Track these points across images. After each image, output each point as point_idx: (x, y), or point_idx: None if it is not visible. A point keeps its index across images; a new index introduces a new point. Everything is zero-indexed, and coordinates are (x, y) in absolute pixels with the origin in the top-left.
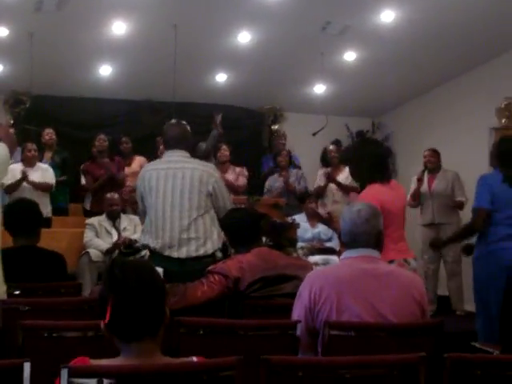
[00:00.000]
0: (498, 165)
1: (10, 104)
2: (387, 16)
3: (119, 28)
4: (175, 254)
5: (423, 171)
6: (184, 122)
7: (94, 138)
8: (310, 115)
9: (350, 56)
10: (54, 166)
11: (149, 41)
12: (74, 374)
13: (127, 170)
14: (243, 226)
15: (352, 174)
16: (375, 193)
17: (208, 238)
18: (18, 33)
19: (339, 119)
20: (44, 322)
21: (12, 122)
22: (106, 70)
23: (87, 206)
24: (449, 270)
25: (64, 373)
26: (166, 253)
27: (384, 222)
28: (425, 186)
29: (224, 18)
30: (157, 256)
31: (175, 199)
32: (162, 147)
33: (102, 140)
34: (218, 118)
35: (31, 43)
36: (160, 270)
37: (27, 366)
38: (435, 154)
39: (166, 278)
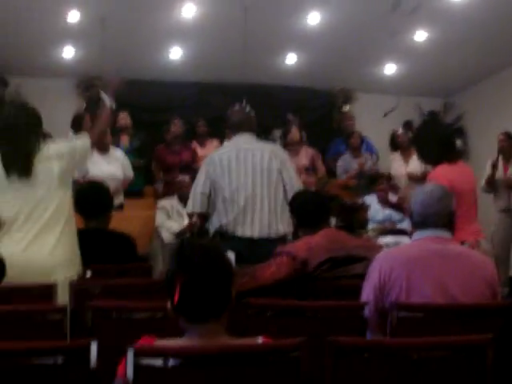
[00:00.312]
0: None
1: (82, 88)
2: None
3: (189, 10)
4: (248, 233)
5: (498, 157)
6: (248, 107)
7: (165, 122)
8: (381, 95)
9: (420, 35)
10: (131, 150)
11: (219, 23)
12: (139, 354)
13: (202, 151)
14: (310, 207)
15: (420, 155)
16: (444, 173)
17: (280, 219)
18: (89, 17)
19: (410, 99)
20: (113, 302)
21: (85, 106)
22: (176, 53)
23: (159, 188)
24: None
25: (130, 353)
26: (239, 232)
27: (456, 202)
28: (500, 172)
29: None
30: (228, 236)
31: (248, 178)
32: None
33: (177, 125)
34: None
35: (102, 27)
36: (232, 254)
37: (94, 346)
38: (509, 138)
39: (237, 261)
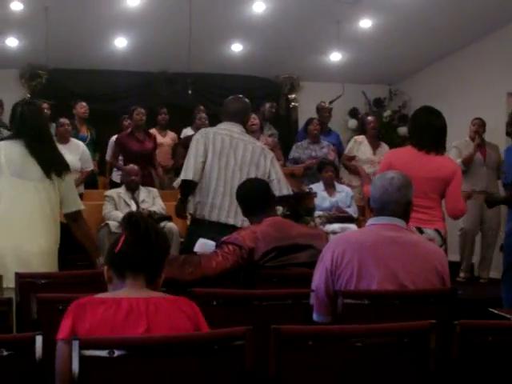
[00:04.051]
0: None
1: (26, 78)
2: None
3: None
4: (231, 221)
5: (478, 138)
6: (247, 100)
7: (111, 112)
8: (327, 83)
9: (365, 23)
10: (91, 141)
11: (164, 12)
12: (84, 345)
13: (161, 139)
14: (256, 195)
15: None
16: (391, 154)
17: None
18: (33, 7)
19: (356, 87)
20: (58, 294)
21: (29, 96)
22: (121, 42)
23: (116, 178)
24: (486, 239)
25: (75, 345)
26: (223, 220)
27: None
28: (477, 154)
29: None
30: (208, 224)
31: (236, 168)
32: (201, 115)
33: (141, 114)
34: None
35: (46, 17)
36: (211, 243)
37: (39, 339)
38: (483, 123)
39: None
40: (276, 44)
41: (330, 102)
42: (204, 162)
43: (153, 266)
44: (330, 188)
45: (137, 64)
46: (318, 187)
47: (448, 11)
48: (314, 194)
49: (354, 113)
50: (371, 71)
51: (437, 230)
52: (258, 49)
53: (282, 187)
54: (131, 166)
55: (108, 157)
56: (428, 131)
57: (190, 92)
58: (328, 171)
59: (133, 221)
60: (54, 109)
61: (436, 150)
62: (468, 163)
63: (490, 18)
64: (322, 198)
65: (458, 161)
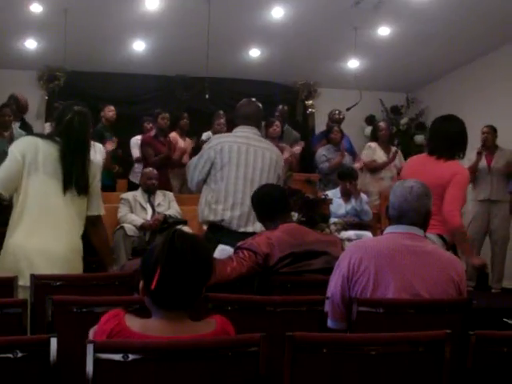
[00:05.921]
0: None
1: (43, 80)
2: None
3: (152, 3)
4: (250, 229)
5: (482, 146)
6: (259, 103)
7: (129, 115)
8: (344, 90)
9: (383, 31)
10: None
11: (182, 16)
12: (99, 349)
13: (182, 144)
14: (271, 201)
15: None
16: (408, 160)
17: None
18: (52, 9)
19: (373, 94)
20: (73, 297)
21: (47, 97)
22: (139, 46)
23: (135, 179)
24: (494, 249)
25: (90, 348)
26: (241, 229)
27: None
28: (483, 162)
29: None
30: (227, 232)
31: (255, 176)
32: (221, 121)
33: (166, 119)
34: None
35: (65, 19)
36: (229, 249)
37: (54, 341)
38: (493, 130)
39: None
40: (294, 50)
41: (347, 109)
42: (205, 180)
43: (192, 301)
44: (346, 195)
45: (155, 68)
46: (334, 194)
47: (467, 20)
48: (330, 201)
49: (370, 120)
50: (388, 79)
51: (439, 235)
52: (276, 54)
53: None
54: (150, 169)
55: (135, 155)
56: (440, 137)
57: (207, 96)
58: (351, 183)
59: (174, 248)
60: None
61: (446, 155)
62: (471, 173)
63: (510, 27)
64: (338, 204)
65: None
